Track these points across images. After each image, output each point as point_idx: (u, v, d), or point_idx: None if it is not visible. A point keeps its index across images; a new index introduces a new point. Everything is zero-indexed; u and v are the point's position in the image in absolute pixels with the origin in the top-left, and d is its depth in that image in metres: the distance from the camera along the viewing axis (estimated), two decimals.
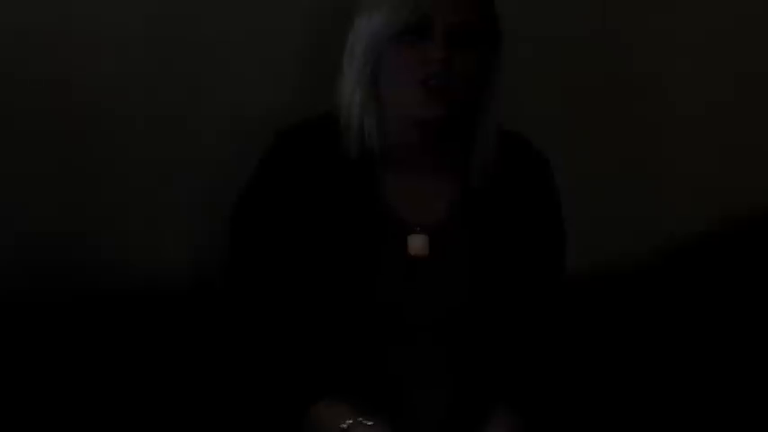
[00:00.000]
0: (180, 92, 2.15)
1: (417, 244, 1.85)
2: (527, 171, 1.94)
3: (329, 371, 1.83)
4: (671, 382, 2.35)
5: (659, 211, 2.51)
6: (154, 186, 2.18)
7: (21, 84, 2.08)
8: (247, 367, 1.89)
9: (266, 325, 1.87)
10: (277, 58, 2.18)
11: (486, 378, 1.87)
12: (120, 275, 2.15)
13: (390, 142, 1.86)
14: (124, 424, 2.05)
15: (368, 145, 1.85)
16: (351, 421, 1.78)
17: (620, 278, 2.42)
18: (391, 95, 1.82)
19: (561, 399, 1.94)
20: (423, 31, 1.77)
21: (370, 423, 1.78)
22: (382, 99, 1.83)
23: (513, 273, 1.88)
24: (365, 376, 1.84)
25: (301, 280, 1.85)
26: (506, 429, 1.83)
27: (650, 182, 2.50)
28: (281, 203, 1.86)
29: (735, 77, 2.52)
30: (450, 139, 1.87)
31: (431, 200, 1.88)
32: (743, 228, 2.54)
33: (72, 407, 2.04)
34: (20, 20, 2.06)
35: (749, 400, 2.31)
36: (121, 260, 2.16)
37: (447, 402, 1.86)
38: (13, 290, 2.09)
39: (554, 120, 2.33)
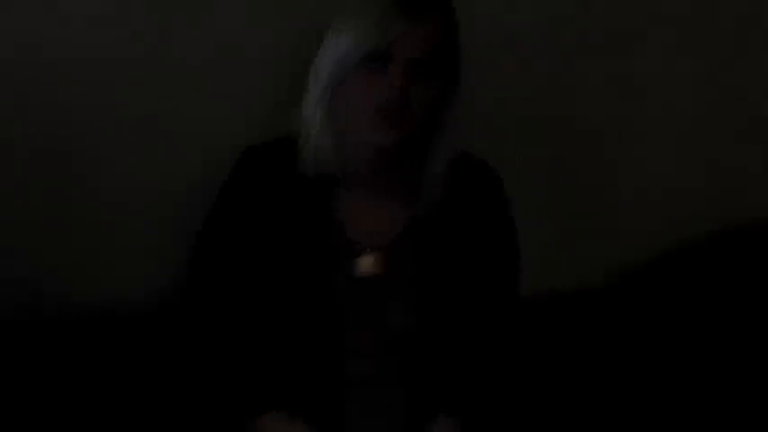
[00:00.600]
0: (152, 119, 2.17)
1: (366, 263, 1.91)
2: (481, 190, 2.00)
3: (278, 383, 1.88)
4: (626, 394, 2.41)
5: (613, 235, 2.58)
6: (124, 204, 2.21)
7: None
8: (198, 377, 1.93)
9: (218, 336, 1.92)
10: (253, 76, 2.20)
11: (434, 387, 1.92)
12: (89, 294, 2.19)
13: (346, 163, 1.91)
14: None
15: (323, 168, 1.90)
16: None
17: (576, 297, 2.48)
18: (348, 118, 1.87)
19: (504, 409, 1.99)
20: (385, 60, 1.81)
21: None
22: (340, 121, 1.89)
23: (460, 291, 1.94)
24: (317, 387, 1.89)
25: (254, 293, 1.91)
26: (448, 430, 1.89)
27: (604, 206, 2.57)
28: (240, 219, 1.92)
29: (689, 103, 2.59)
30: (404, 164, 1.93)
31: (383, 221, 1.94)
32: (693, 250, 2.61)
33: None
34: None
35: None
36: (90, 277, 2.21)
37: (398, 411, 1.91)
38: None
39: (513, 147, 2.39)
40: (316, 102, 1.89)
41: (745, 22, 2.57)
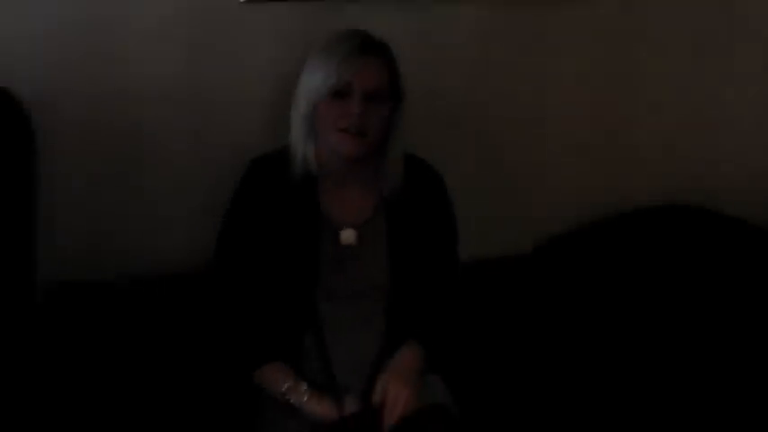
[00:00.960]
0: (190, 129, 2.69)
1: (346, 236, 2.42)
2: (427, 184, 2.51)
3: (278, 338, 2.36)
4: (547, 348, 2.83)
5: (535, 211, 3.04)
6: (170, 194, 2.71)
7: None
8: (215, 334, 2.40)
9: (232, 302, 2.39)
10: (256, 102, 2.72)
11: (406, 325, 2.41)
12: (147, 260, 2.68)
13: (324, 166, 2.42)
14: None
15: (308, 169, 2.41)
16: (289, 384, 2.31)
17: (504, 264, 2.92)
18: (323, 135, 2.39)
19: (451, 340, 2.48)
20: (346, 93, 2.33)
21: (304, 387, 2.30)
22: (317, 137, 2.39)
23: (419, 256, 2.44)
24: (311, 330, 2.38)
25: (262, 265, 2.38)
26: (413, 353, 2.38)
27: (527, 187, 3.03)
28: (250, 214, 2.41)
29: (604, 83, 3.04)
30: (368, 164, 2.44)
31: (356, 205, 2.45)
32: (605, 224, 3.05)
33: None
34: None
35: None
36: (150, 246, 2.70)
37: (380, 344, 2.40)
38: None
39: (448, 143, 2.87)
40: (300, 122, 2.39)
41: None
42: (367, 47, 2.37)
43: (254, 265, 2.39)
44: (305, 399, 2.31)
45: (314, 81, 2.36)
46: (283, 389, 2.32)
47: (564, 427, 2.69)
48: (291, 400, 2.32)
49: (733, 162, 3.23)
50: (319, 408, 2.31)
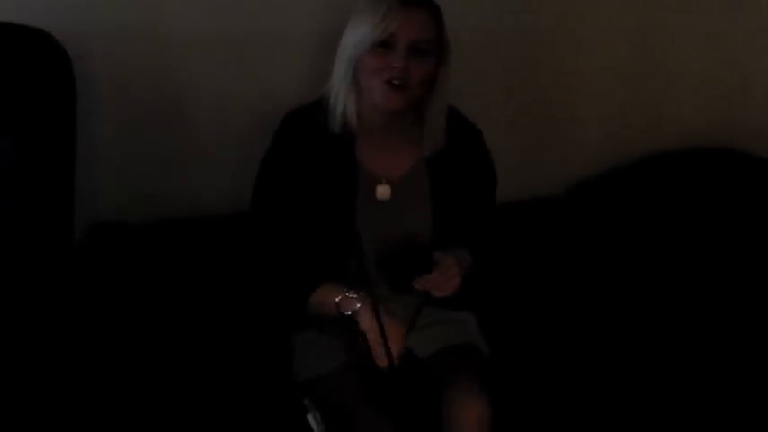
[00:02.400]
0: (230, 82, 2.72)
1: (382, 191, 2.44)
2: (466, 137, 2.52)
3: (323, 274, 2.38)
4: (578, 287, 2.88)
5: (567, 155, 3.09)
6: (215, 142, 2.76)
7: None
8: (261, 274, 2.43)
9: (271, 247, 2.41)
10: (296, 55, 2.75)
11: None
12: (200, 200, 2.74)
13: (364, 120, 2.42)
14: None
15: (348, 123, 2.41)
16: (341, 296, 2.32)
17: (538, 205, 2.99)
18: (365, 89, 2.38)
19: (490, 261, 2.52)
20: (390, 45, 2.33)
21: (355, 295, 2.32)
22: (359, 91, 2.39)
23: (460, 209, 2.47)
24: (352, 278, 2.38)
25: (302, 214, 2.40)
26: (463, 252, 2.43)
27: (560, 132, 3.08)
28: (287, 163, 2.41)
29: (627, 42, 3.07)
30: (408, 118, 2.44)
31: (394, 161, 2.46)
32: (633, 167, 3.10)
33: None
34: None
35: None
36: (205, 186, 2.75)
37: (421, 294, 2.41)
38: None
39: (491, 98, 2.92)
40: (341, 76, 2.39)
41: None
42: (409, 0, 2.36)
43: (290, 219, 2.42)
44: (357, 306, 2.33)
45: (358, 33, 2.36)
46: (337, 300, 2.34)
47: (587, 367, 2.70)
48: (345, 311, 2.34)
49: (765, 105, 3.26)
50: (367, 319, 2.32)
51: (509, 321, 2.74)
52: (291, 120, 2.46)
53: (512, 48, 2.96)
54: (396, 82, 2.35)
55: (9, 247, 2.33)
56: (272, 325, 2.52)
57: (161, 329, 2.50)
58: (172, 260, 2.61)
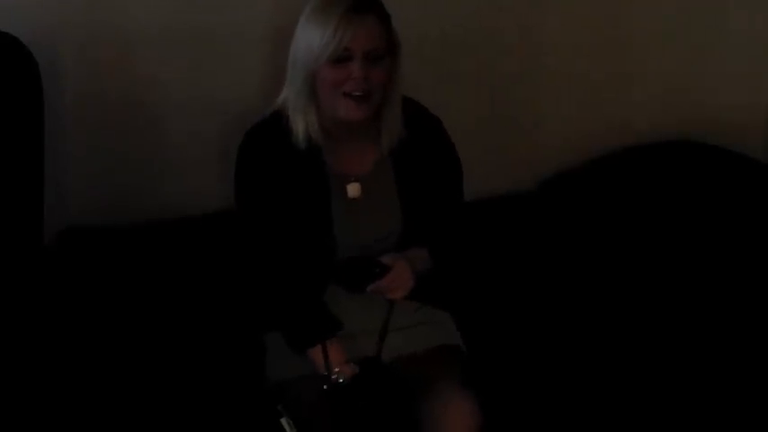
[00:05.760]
0: (200, 82, 2.71)
1: (353, 189, 2.44)
2: (425, 127, 2.51)
3: (299, 281, 2.41)
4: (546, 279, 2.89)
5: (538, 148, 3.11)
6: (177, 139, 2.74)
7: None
8: (248, 278, 2.44)
9: (258, 255, 2.42)
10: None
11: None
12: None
13: (327, 129, 2.40)
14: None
15: (312, 135, 2.38)
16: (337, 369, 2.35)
17: (509, 201, 3.00)
18: (326, 102, 2.35)
19: (457, 269, 2.55)
20: (346, 58, 2.29)
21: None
22: (318, 104, 2.36)
23: (428, 200, 2.47)
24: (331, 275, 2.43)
25: (278, 221, 2.40)
26: (420, 250, 2.46)
27: (524, 130, 3.09)
28: (257, 180, 2.40)
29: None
30: (369, 122, 2.41)
31: (359, 160, 2.45)
32: (606, 160, 3.12)
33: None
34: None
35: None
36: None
37: None
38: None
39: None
40: (298, 90, 2.35)
41: None
42: (360, 4, 2.31)
43: (276, 230, 2.42)
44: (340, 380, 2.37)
45: (312, 48, 2.32)
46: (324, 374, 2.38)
47: (569, 361, 2.71)
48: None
49: (734, 95, 3.27)
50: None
51: (486, 319, 2.74)
52: (252, 138, 2.44)
53: (478, 48, 2.97)
54: (357, 93, 2.33)
55: None
56: (246, 324, 2.53)
57: (132, 332, 2.51)
58: (143, 263, 2.62)
